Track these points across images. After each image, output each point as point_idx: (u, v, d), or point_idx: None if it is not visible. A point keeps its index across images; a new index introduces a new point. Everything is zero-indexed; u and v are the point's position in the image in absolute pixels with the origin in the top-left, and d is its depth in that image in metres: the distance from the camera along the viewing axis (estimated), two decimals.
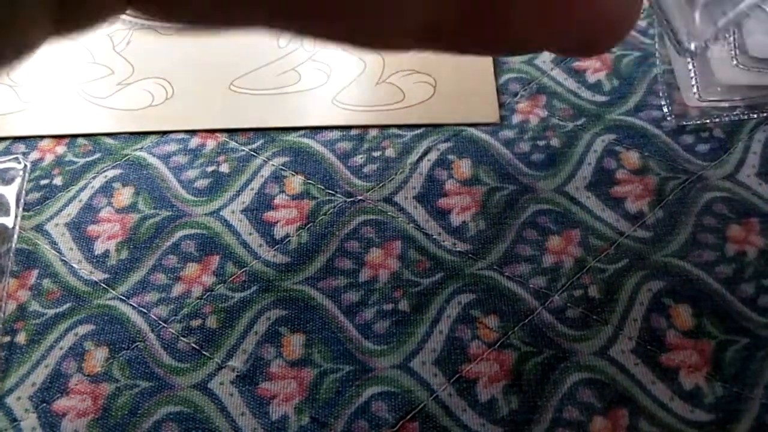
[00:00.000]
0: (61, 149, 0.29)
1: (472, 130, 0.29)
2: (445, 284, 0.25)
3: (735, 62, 0.27)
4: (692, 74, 0.28)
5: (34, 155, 0.28)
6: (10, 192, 0.27)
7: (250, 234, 0.26)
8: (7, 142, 0.29)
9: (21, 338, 0.24)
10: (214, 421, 0.22)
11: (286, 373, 0.23)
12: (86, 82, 0.30)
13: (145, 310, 0.25)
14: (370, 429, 0.22)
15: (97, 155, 0.28)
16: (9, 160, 0.28)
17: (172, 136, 0.29)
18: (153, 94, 0.30)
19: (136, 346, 0.24)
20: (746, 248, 0.25)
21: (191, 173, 0.28)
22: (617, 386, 0.23)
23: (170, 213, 0.27)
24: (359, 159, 0.28)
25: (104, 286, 0.25)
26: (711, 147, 0.28)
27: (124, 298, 0.25)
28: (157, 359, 0.24)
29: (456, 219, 0.26)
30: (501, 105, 0.29)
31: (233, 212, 0.27)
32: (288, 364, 0.23)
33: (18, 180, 0.27)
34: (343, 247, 0.26)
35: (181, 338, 0.24)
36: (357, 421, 0.22)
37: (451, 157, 0.28)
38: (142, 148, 0.29)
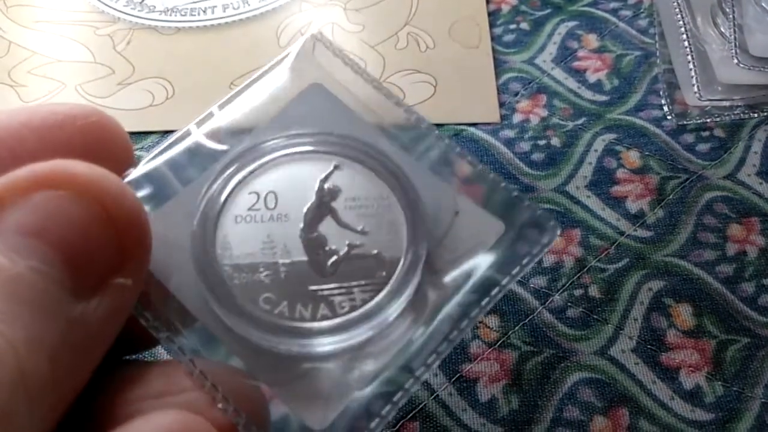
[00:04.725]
0: None
1: (473, 130, 0.29)
2: None
3: (736, 61, 0.27)
4: (693, 73, 0.28)
5: None
6: None
7: None
8: None
9: None
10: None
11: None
12: (86, 82, 0.30)
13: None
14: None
15: None
16: None
17: None
18: (153, 94, 0.30)
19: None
20: (747, 247, 0.25)
21: None
22: (617, 386, 0.23)
23: None
24: None
25: None
26: (711, 146, 0.28)
27: None
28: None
29: None
30: (501, 104, 0.29)
31: None
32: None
33: None
34: None
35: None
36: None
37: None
38: (142, 147, 0.29)
